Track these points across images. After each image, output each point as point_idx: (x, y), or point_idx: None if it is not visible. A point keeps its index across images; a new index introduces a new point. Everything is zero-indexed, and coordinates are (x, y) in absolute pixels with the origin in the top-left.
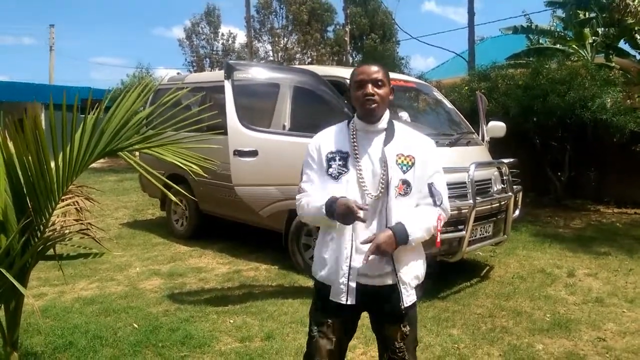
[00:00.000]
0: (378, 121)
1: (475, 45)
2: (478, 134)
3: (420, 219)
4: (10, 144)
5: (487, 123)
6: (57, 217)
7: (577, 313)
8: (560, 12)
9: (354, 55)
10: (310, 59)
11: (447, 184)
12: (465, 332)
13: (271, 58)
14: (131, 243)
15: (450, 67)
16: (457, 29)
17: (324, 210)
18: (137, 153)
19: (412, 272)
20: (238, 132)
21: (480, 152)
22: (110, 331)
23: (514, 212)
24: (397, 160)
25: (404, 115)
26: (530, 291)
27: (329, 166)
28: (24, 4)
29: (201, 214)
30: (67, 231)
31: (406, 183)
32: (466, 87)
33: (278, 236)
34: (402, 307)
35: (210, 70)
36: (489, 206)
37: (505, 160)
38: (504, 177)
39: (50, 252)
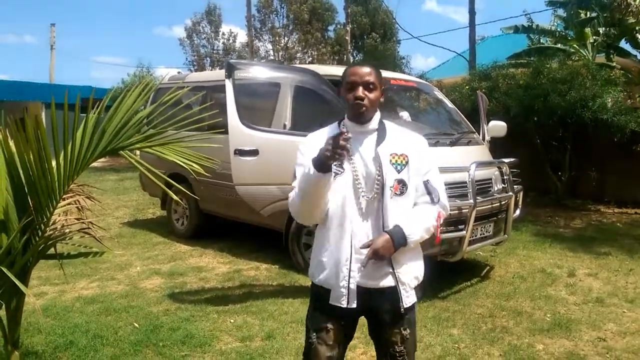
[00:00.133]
0: (368, 122)
1: (476, 45)
2: (479, 134)
3: (419, 219)
4: (12, 143)
5: (487, 122)
6: (58, 216)
7: (577, 313)
8: (561, 12)
9: (354, 55)
10: (311, 59)
11: (448, 184)
12: (465, 332)
13: (272, 57)
14: (132, 242)
15: (451, 66)
16: (457, 29)
17: (311, 169)
18: (137, 152)
19: (412, 272)
20: (239, 132)
21: (481, 151)
22: (110, 330)
23: (514, 211)
24: (391, 160)
25: (405, 114)
26: (531, 291)
27: None
28: (24, 3)
29: (202, 213)
30: (68, 230)
31: (401, 182)
32: (467, 87)
33: (278, 235)
34: (402, 308)
35: (211, 70)
36: (490, 206)
37: (506, 160)
38: (505, 177)
39: (51, 251)
